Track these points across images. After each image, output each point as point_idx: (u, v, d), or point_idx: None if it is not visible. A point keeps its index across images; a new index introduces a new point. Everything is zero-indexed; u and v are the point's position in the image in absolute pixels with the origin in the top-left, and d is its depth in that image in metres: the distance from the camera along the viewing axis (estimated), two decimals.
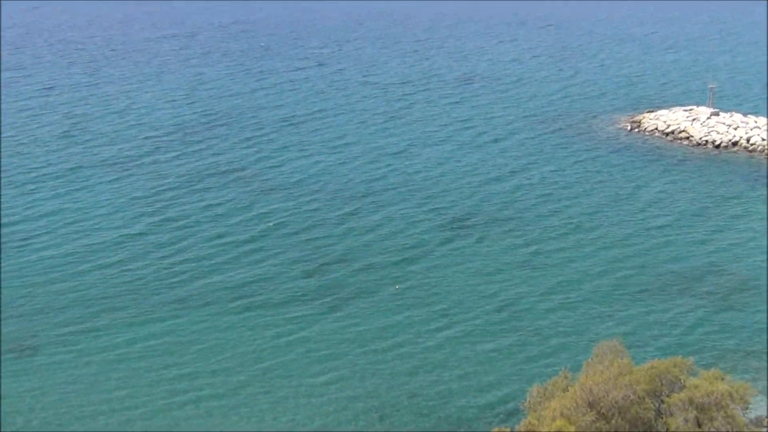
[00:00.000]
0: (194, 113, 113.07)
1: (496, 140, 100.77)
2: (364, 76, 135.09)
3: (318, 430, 47.42)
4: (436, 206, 79.44)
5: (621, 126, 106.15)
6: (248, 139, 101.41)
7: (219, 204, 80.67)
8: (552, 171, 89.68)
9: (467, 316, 59.48)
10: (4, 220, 77.59)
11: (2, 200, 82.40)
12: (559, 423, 32.78)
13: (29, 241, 72.82)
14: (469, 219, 76.25)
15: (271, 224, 75.44)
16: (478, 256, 68.67)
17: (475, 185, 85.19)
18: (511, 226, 74.60)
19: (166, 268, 67.21)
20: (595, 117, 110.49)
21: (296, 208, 79.19)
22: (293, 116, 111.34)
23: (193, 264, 67.88)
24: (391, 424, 47.50)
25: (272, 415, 48.58)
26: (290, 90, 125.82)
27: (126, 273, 66.54)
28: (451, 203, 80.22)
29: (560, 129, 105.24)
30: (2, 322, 59.27)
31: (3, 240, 73.07)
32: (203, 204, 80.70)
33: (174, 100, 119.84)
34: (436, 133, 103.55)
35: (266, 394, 50.43)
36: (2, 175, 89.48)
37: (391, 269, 66.73)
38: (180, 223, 76.28)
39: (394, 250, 70.03)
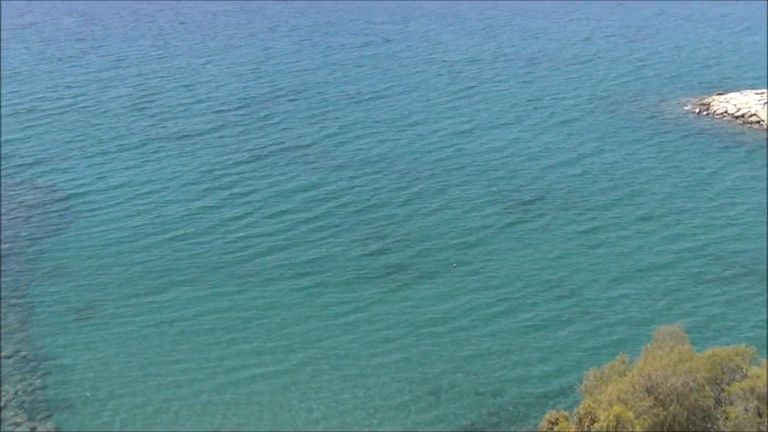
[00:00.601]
0: (261, 88, 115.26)
1: (564, 122, 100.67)
2: (431, 53, 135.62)
3: (375, 410, 48.66)
4: (501, 188, 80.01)
5: (689, 109, 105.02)
6: (314, 115, 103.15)
7: (284, 180, 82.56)
8: (620, 155, 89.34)
9: (527, 300, 60.14)
10: (76, 190, 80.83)
11: (74, 170, 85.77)
12: (617, 409, 33.49)
13: (98, 212, 75.75)
14: (534, 202, 76.67)
15: (336, 202, 76.99)
16: (542, 240, 69.10)
17: (542, 168, 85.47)
18: (578, 211, 74.77)
19: (230, 243, 69.28)
20: (666, 100, 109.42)
21: (360, 186, 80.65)
22: (359, 93, 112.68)
23: (258, 240, 69.83)
24: (447, 407, 48.52)
25: (328, 393, 49.99)
26: (356, 66, 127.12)
27: (191, 247, 68.77)
28: (517, 185, 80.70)
29: (630, 111, 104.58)
30: (66, 286, 62.23)
31: (72, 209, 76.24)
32: (269, 180, 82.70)
33: (241, 75, 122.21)
34: (503, 114, 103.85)
35: (324, 372, 51.81)
36: (73, 147, 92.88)
37: (453, 251, 67.71)
38: (245, 198, 78.41)
39: (456, 231, 70.94)
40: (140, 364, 52.99)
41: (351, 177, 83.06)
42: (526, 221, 72.67)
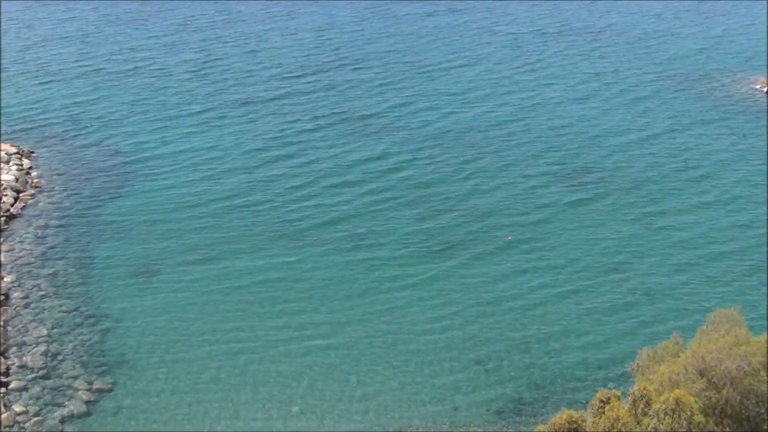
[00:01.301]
0: (324, 56, 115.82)
1: (632, 100, 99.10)
2: (496, 25, 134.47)
3: (421, 375, 49.42)
4: (565, 166, 79.40)
5: (761, 88, 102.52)
6: (377, 85, 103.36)
7: (346, 151, 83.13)
8: (689, 135, 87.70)
9: (579, 273, 60.04)
10: (139, 153, 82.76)
11: (138, 134, 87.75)
12: (678, 392, 33.18)
13: (159, 176, 77.54)
14: (598, 182, 75.84)
15: (397, 174, 77.35)
16: (604, 221, 68.43)
17: (608, 146, 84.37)
18: (643, 193, 73.72)
19: (289, 212, 70.31)
20: (738, 80, 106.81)
21: (422, 159, 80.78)
22: (423, 64, 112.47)
23: (316, 210, 70.64)
24: (493, 375, 49.10)
25: (380, 368, 50.74)
26: (420, 37, 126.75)
27: (250, 215, 70.01)
28: (581, 164, 79.95)
29: (701, 91, 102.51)
30: (127, 248, 64.13)
31: (135, 172, 78.16)
32: (330, 150, 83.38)
33: (304, 42, 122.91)
34: (569, 89, 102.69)
35: (377, 347, 52.48)
36: (138, 110, 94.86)
37: (506, 221, 67.93)
38: (306, 167, 79.24)
39: (517, 208, 70.81)
40: (195, 330, 54.33)
41: (413, 150, 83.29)
42: (589, 201, 72.11)
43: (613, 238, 65.49)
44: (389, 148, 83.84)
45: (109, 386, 48.66)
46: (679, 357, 35.71)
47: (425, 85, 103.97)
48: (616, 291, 58.22)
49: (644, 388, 35.74)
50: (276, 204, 71.73)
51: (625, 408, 36.44)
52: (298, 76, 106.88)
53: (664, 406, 32.87)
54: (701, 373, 33.81)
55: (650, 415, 33.70)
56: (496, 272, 60.69)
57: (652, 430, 33.21)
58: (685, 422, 31.86)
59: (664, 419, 32.32)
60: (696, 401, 33.05)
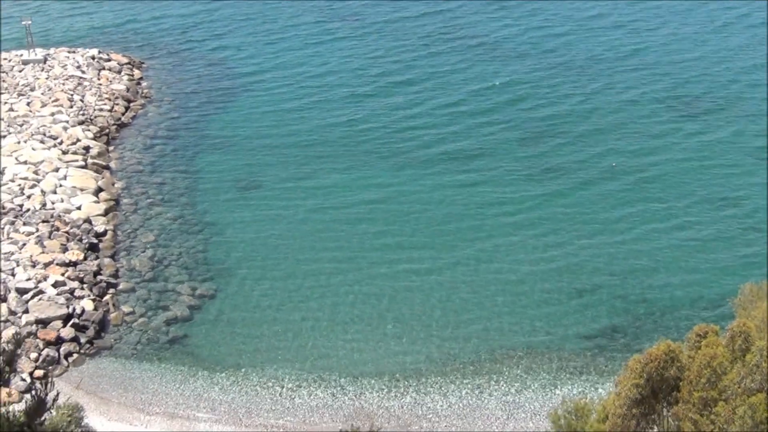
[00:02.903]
0: None
1: (755, 25, 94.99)
2: None
3: (515, 301, 50.26)
4: (681, 93, 77.35)
5: None
6: (493, 9, 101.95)
7: (455, 70, 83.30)
8: None
9: (687, 205, 59.39)
10: (247, 68, 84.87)
11: (247, 48, 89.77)
12: None
13: (267, 91, 79.71)
14: (715, 111, 73.79)
15: (506, 96, 77.17)
16: (717, 153, 66.90)
17: (730, 74, 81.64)
18: (749, 116, 71.79)
19: (394, 133, 71.29)
20: None
21: (533, 83, 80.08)
22: None
23: (421, 131, 71.43)
24: (590, 304, 49.54)
25: (469, 282, 51.89)
26: None
27: (351, 130, 71.62)
28: (699, 92, 77.67)
29: None
30: (231, 161, 66.66)
31: (243, 86, 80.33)
32: (439, 69, 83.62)
33: None
34: (691, 12, 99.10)
35: (474, 274, 53.19)
36: (248, 26, 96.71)
37: (612, 147, 67.42)
38: (413, 87, 79.81)
39: (626, 135, 69.90)
40: (293, 246, 56.28)
41: (524, 72, 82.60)
42: (703, 131, 70.42)
43: (726, 170, 64.09)
44: (499, 69, 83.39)
45: (212, 293, 51.33)
46: None
47: (539, 3, 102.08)
48: (724, 225, 57.27)
49: (744, 325, 35.58)
50: (379, 124, 72.78)
51: (722, 344, 36.49)
52: None
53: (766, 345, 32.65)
54: None
55: (753, 352, 33.62)
56: (599, 200, 60.49)
57: (754, 366, 33.19)
58: None
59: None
60: None
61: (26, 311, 47.14)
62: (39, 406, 18.86)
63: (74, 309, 47.89)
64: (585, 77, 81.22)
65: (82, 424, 25.34)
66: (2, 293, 47.88)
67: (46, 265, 50.97)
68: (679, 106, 75.03)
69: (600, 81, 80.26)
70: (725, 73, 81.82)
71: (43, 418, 20.37)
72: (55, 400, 19.46)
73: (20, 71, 79.30)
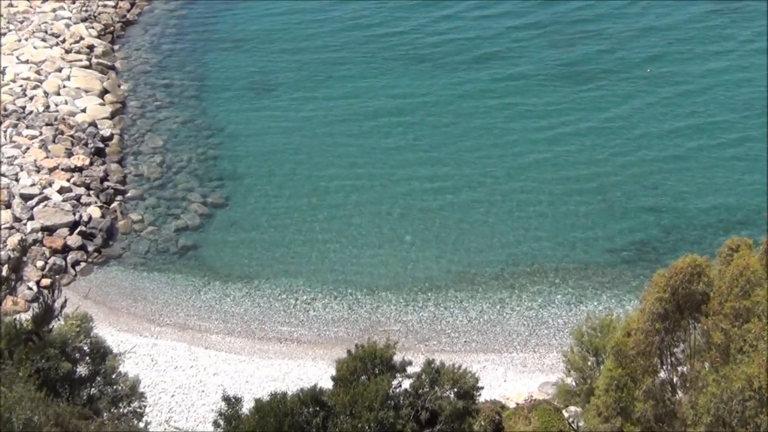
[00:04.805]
0: None
1: None
2: None
3: (541, 210, 50.71)
4: None
5: None
6: None
7: None
8: None
9: (724, 114, 58.97)
10: None
11: None
12: None
13: None
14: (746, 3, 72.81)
15: None
16: (754, 50, 66.10)
17: None
18: None
19: (412, 32, 70.96)
20: None
21: None
22: None
23: (442, 29, 71.06)
24: (618, 216, 49.86)
25: (492, 191, 52.49)
26: None
27: (370, 31, 71.14)
28: None
29: None
30: (242, 61, 66.70)
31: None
32: None
33: None
34: None
35: (492, 169, 53.99)
36: None
37: (646, 52, 66.68)
38: None
39: (655, 32, 69.20)
40: (308, 151, 56.60)
41: None
42: (742, 30, 69.24)
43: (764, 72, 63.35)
44: None
45: (223, 201, 52.05)
46: None
47: None
48: (757, 131, 56.85)
49: None
50: (403, 28, 71.99)
51: (756, 257, 36.90)
52: None
53: None
54: None
55: None
56: (632, 107, 60.16)
57: None
58: None
59: None
60: None
61: (31, 218, 48.10)
62: (46, 314, 19.55)
63: (81, 216, 48.78)
64: None
65: (91, 334, 26.22)
66: (6, 199, 48.78)
67: (51, 170, 51.72)
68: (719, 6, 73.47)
69: None
70: None
71: (51, 326, 21.14)
72: (62, 307, 20.13)
73: None
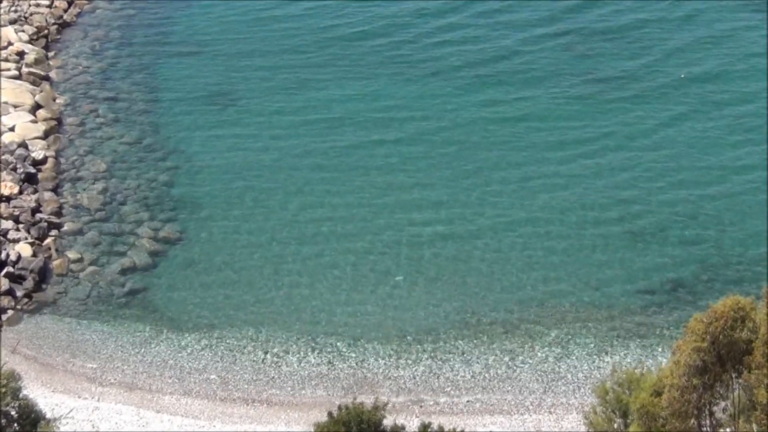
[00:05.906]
0: None
1: None
2: None
3: (561, 244, 50.75)
4: None
5: None
6: None
7: None
8: None
9: (763, 123, 59.60)
10: None
11: None
12: None
13: None
14: None
15: None
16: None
17: None
18: None
19: (400, 31, 71.73)
20: None
21: None
22: None
23: (432, 27, 71.86)
24: (649, 250, 50.01)
25: (504, 219, 52.62)
26: None
27: (350, 30, 71.78)
28: None
29: None
30: (200, 68, 67.06)
31: None
32: None
33: None
34: None
35: (503, 191, 54.38)
36: None
37: (680, 57, 67.35)
38: None
39: (689, 34, 69.91)
40: (278, 178, 56.59)
41: None
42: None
43: None
44: None
45: (177, 236, 51.92)
46: None
47: None
48: None
49: None
50: (386, 25, 72.61)
51: None
52: None
53: None
54: None
55: None
56: (660, 122, 60.51)
57: None
58: None
59: None
60: None
61: None
62: None
63: (8, 255, 48.51)
64: None
65: (20, 396, 25.99)
66: None
67: None
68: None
69: None
70: None
71: None
72: None
73: None
